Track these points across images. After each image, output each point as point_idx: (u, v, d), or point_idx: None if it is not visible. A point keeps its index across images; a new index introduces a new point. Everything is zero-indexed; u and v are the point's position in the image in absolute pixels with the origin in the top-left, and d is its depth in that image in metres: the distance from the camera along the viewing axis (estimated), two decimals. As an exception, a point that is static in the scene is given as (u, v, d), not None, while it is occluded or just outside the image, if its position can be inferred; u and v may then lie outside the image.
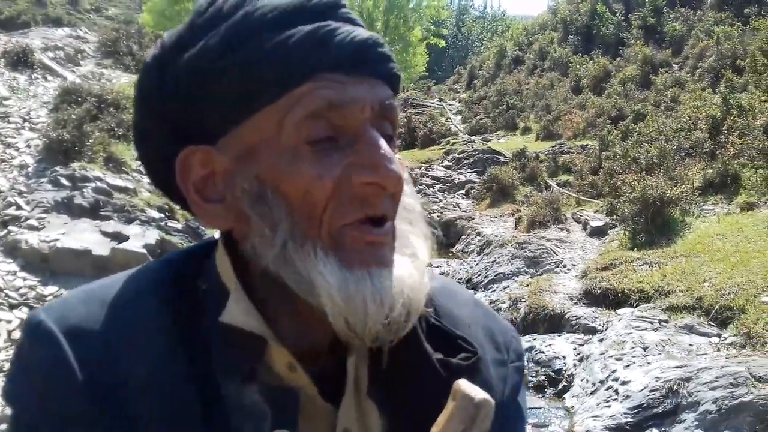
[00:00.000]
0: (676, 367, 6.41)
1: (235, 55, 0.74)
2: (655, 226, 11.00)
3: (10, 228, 8.23)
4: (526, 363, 1.02)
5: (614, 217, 12.61)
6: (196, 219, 0.87)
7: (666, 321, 7.69)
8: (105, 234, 8.23)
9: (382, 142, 0.75)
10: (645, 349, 7.02)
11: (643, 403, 6.18)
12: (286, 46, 0.73)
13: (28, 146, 10.37)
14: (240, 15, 0.75)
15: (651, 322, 7.69)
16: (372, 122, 0.76)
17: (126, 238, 8.28)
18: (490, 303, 10.56)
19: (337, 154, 0.74)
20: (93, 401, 0.73)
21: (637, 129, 17.90)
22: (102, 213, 8.81)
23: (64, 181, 9.19)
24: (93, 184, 9.12)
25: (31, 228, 8.24)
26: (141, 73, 0.82)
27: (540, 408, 7.28)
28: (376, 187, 0.74)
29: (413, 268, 0.77)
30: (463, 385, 0.62)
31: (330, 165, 0.74)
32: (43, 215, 8.56)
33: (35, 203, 8.75)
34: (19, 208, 8.67)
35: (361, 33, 0.78)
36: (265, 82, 0.74)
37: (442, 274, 14.04)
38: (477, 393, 0.61)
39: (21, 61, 14.03)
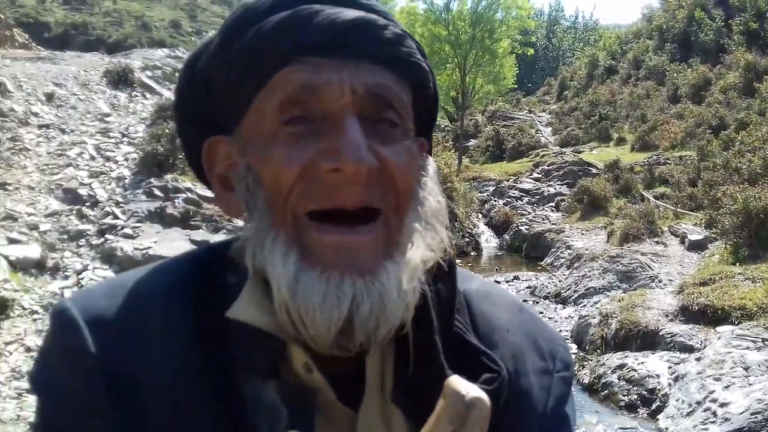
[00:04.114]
0: (781, 389, 5.96)
1: (228, 48, 0.76)
2: (759, 239, 10.37)
3: (107, 236, 8.63)
4: (574, 374, 0.93)
5: (714, 230, 12.00)
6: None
7: (770, 340, 7.19)
8: (194, 242, 8.50)
9: (351, 128, 0.70)
10: (746, 369, 6.57)
11: (743, 427, 5.78)
12: (262, 33, 0.73)
13: (126, 159, 10.88)
14: (240, 11, 0.78)
15: (753, 341, 7.20)
16: (358, 107, 0.72)
17: (214, 247, 8.53)
18: (580, 318, 10.23)
19: (312, 139, 0.72)
20: (109, 391, 0.72)
21: (740, 138, 17.02)
22: (192, 222, 9.13)
23: (157, 192, 9.59)
24: (184, 195, 9.46)
25: (126, 236, 8.62)
26: (180, 72, 0.85)
27: (632, 428, 6.96)
28: (341, 175, 0.70)
29: (400, 273, 0.71)
30: (455, 382, 0.55)
31: (302, 149, 0.71)
32: (138, 224, 8.94)
33: (130, 213, 9.17)
34: (115, 217, 9.09)
35: (347, 14, 0.74)
36: (249, 70, 0.74)
37: (529, 288, 13.75)
38: (469, 391, 0.54)
39: (122, 80, 14.80)
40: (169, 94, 15.40)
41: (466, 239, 18.46)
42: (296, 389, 0.73)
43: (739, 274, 9.29)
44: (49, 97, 13.01)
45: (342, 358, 0.74)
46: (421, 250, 0.74)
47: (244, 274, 0.75)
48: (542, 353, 0.87)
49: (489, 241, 20.34)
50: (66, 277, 7.95)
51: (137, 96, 14.85)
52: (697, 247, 12.48)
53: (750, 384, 6.32)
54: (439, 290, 0.79)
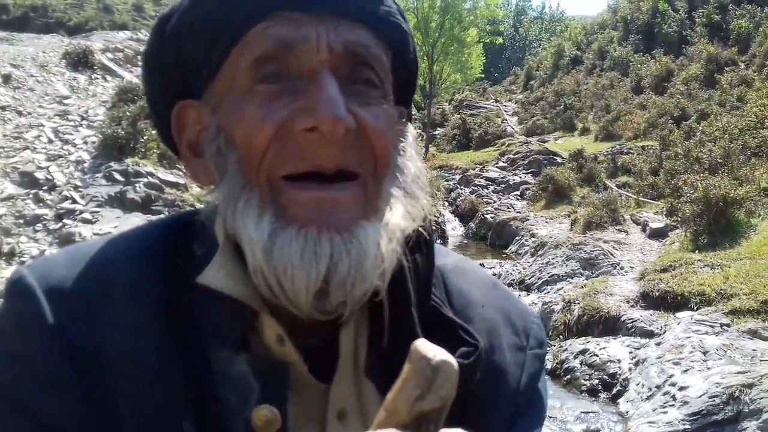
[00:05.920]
0: (738, 372, 6.08)
1: (202, 2, 0.72)
2: (718, 227, 10.57)
3: (65, 221, 8.45)
4: (546, 350, 0.92)
5: (675, 218, 12.20)
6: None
7: (728, 325, 7.33)
8: (155, 228, 8.37)
9: (328, 85, 0.67)
10: (705, 353, 6.69)
11: (702, 410, 5.88)
12: None
13: (85, 143, 10.66)
14: None
15: (712, 326, 7.34)
16: (335, 65, 0.69)
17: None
18: (543, 305, 10.32)
19: (287, 98, 0.69)
20: (70, 363, 0.68)
21: (701, 129, 17.33)
22: (153, 207, 8.99)
23: (117, 176, 9.41)
24: (145, 180, 9.31)
25: (85, 221, 8.45)
26: (149, 36, 0.81)
27: (593, 413, 7.04)
28: (317, 135, 0.66)
29: (378, 234, 0.68)
30: (421, 345, 0.53)
31: (276, 109, 0.68)
32: (97, 209, 8.77)
33: (89, 197, 8.99)
34: (74, 202, 8.90)
35: None
36: (223, 26, 0.71)
37: (494, 275, 13.83)
38: (436, 354, 0.52)
39: (81, 61, 14.46)
40: (130, 77, 15.09)
41: (432, 227, 18.49)
42: (267, 362, 0.70)
43: (699, 260, 9.45)
44: (6, 79, 12.66)
45: (314, 331, 0.72)
46: (400, 215, 0.71)
47: (212, 243, 0.72)
48: (516, 330, 0.86)
49: (455, 230, 20.41)
50: (22, 263, 7.76)
51: (97, 78, 14.53)
52: (658, 234, 12.67)
53: (708, 368, 6.43)
54: (416, 261, 0.76)
